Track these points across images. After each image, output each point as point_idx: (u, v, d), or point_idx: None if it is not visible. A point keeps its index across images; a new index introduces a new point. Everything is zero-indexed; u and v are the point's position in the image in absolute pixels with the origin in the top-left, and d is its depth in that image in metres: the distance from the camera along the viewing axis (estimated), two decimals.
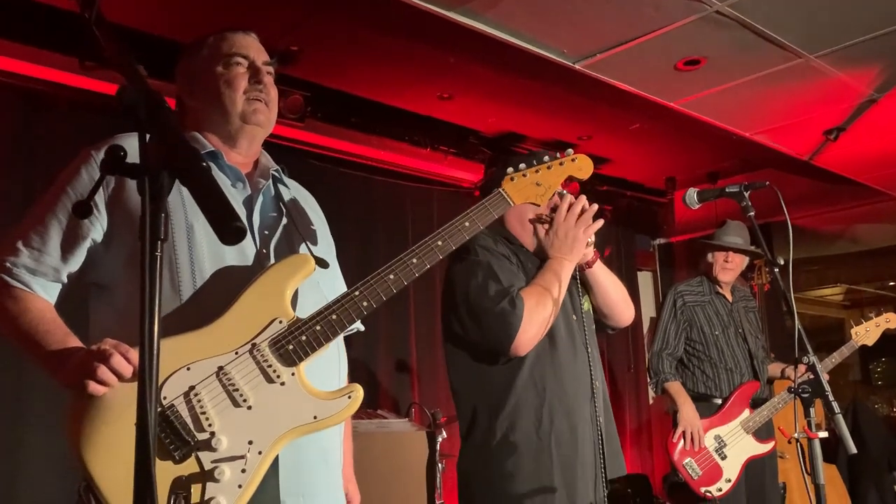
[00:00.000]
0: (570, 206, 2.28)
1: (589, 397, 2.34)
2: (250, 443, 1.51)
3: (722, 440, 3.76)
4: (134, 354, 1.45)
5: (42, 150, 3.82)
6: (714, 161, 5.86)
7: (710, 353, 3.95)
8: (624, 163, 5.98)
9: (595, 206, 2.34)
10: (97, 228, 1.65)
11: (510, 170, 1.99)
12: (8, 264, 1.63)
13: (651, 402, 6.55)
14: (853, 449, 2.08)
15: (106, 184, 1.65)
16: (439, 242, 1.75)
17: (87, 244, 1.65)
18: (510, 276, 2.30)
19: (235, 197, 1.76)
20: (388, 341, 5.04)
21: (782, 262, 2.26)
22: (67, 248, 1.64)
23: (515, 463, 2.21)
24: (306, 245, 1.77)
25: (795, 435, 2.15)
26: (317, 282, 1.78)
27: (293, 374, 1.56)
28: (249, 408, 1.52)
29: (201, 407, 1.50)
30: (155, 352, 0.86)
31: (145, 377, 0.80)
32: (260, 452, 1.51)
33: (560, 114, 4.93)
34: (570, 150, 2.05)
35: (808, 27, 3.45)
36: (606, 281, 2.48)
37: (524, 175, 1.98)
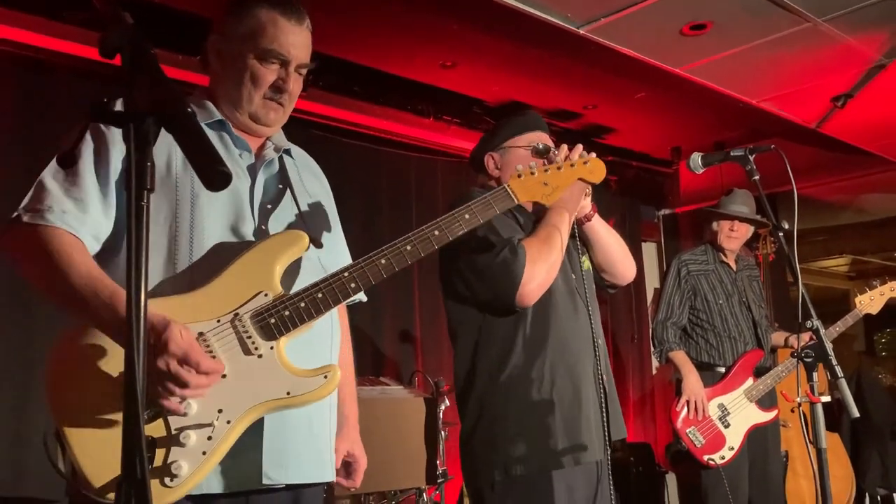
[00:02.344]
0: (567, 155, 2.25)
1: (591, 356, 2.34)
2: (220, 411, 1.49)
3: (725, 409, 3.76)
4: (206, 361, 1.44)
5: (42, 119, 3.80)
6: (720, 130, 5.81)
7: (714, 322, 3.94)
8: (629, 133, 5.95)
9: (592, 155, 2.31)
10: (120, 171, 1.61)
11: (520, 167, 1.95)
12: (56, 210, 1.54)
13: (654, 372, 6.56)
14: (856, 412, 2.08)
15: (115, 137, 1.59)
16: (436, 232, 1.73)
17: (117, 189, 1.61)
18: (509, 230, 2.29)
19: (239, 164, 1.74)
20: (393, 310, 5.05)
21: (787, 227, 2.24)
22: (105, 196, 1.59)
23: (518, 422, 2.21)
24: (304, 223, 1.75)
25: (798, 399, 2.14)
26: (317, 259, 1.77)
27: (272, 348, 1.55)
28: (224, 377, 1.50)
29: None
30: (142, 306, 0.85)
31: (133, 337, 0.79)
32: (228, 422, 1.50)
33: (565, 83, 4.88)
34: (583, 151, 2.04)
35: None
36: (606, 235, 2.47)
37: (532, 173, 1.93)
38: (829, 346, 2.10)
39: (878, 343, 8.19)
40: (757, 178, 2.33)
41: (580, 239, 2.41)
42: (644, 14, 3.54)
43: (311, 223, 1.78)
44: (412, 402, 3.47)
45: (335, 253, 1.90)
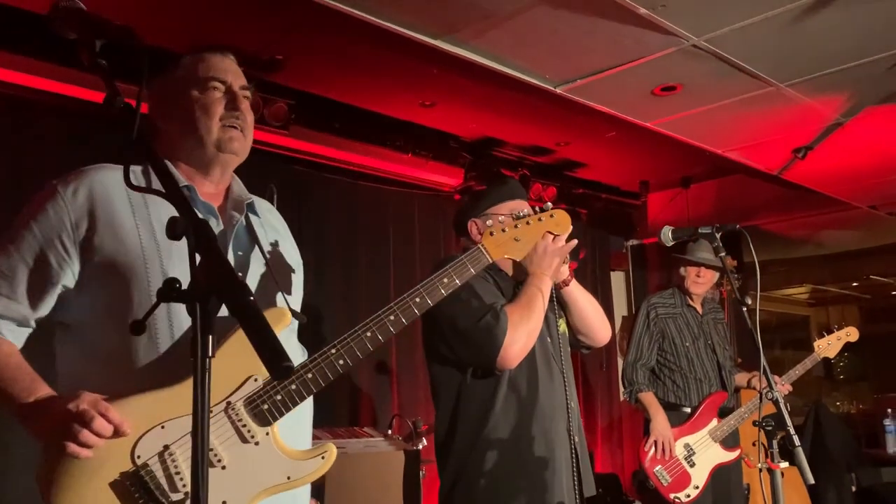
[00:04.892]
0: None
1: (565, 418, 2.48)
2: (224, 503, 1.51)
3: (691, 448, 3.94)
4: (113, 413, 1.44)
5: (30, 157, 3.86)
6: (687, 166, 6.03)
7: (681, 364, 4.12)
8: (599, 167, 6.13)
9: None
10: (68, 274, 1.60)
11: (490, 223, 2.04)
12: None
13: (622, 399, 6.75)
14: (811, 480, 2.24)
15: (75, 226, 1.59)
16: (417, 299, 1.77)
17: (57, 290, 1.61)
18: (491, 296, 2.39)
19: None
20: None
21: (749, 302, 2.42)
22: (37, 295, 1.59)
23: (493, 484, 2.32)
24: (283, 296, 1.75)
25: (759, 465, 2.32)
26: (291, 330, 1.78)
27: (267, 434, 1.56)
28: (224, 468, 1.52)
29: (175, 467, 1.49)
30: (206, 469, 0.96)
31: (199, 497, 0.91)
32: None
33: (539, 122, 5.04)
34: (549, 205, 2.13)
35: (780, 59, 3.60)
36: (583, 299, 2.58)
37: (504, 230, 2.02)
38: (787, 417, 2.28)
39: (836, 366, 8.48)
40: (723, 254, 2.50)
41: (558, 302, 2.53)
42: (618, 77, 3.72)
43: (282, 283, 1.79)
44: (393, 455, 3.59)
45: (295, 305, 1.87)
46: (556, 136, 5.39)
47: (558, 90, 3.88)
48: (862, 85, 3.92)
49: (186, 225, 1.02)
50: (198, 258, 1.05)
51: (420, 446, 3.84)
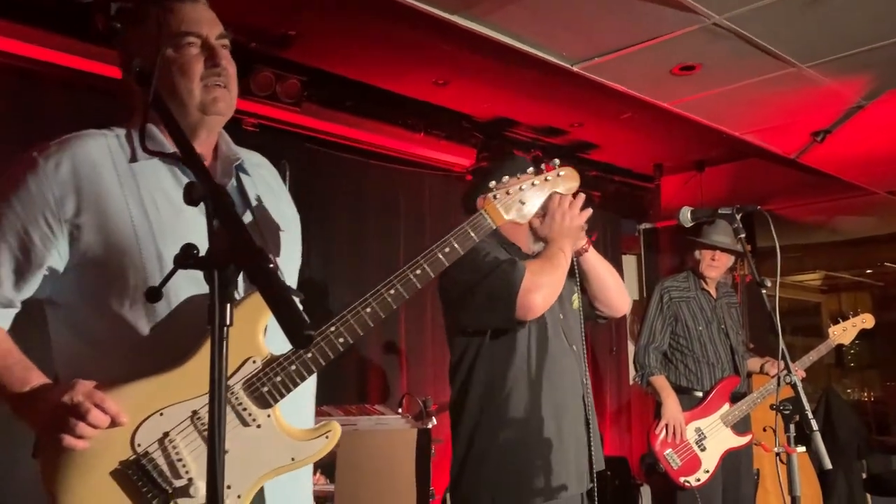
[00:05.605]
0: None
1: (577, 394, 2.46)
2: (228, 487, 1.48)
3: (702, 432, 3.92)
4: (109, 403, 1.41)
5: (38, 130, 3.83)
6: (702, 149, 5.97)
7: (694, 348, 4.09)
8: (613, 149, 6.07)
9: (582, 196, 2.38)
10: (54, 255, 1.52)
11: (493, 183, 1.89)
12: None
13: (631, 383, 6.73)
14: (828, 465, 2.21)
15: (60, 202, 1.49)
16: (417, 271, 1.68)
17: (42, 272, 1.53)
18: (506, 256, 2.38)
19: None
20: (378, 326, 5.14)
21: (769, 284, 2.37)
22: (21, 276, 1.52)
23: (503, 458, 2.33)
24: (276, 266, 1.66)
25: (776, 449, 2.29)
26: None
27: (269, 416, 1.53)
28: (226, 452, 1.46)
29: (177, 453, 1.47)
30: (222, 442, 0.94)
31: (216, 473, 0.88)
32: (239, 496, 1.50)
33: (553, 101, 4.99)
34: (557, 161, 1.99)
35: (802, 39, 3.54)
36: (601, 266, 2.55)
37: (507, 193, 1.87)
38: (805, 401, 2.25)
39: (846, 354, 8.43)
40: (743, 236, 2.46)
41: (577, 271, 2.48)
42: (636, 55, 3.66)
43: (272, 246, 1.71)
44: (405, 432, 3.58)
45: (288, 273, 1.79)
46: (570, 116, 5.34)
47: (575, 68, 3.82)
48: (885, 67, 3.85)
49: (204, 190, 0.99)
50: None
51: (430, 425, 3.83)
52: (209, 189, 1.00)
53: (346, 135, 5.12)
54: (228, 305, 0.96)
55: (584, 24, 3.41)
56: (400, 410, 4.02)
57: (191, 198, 0.99)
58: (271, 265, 0.96)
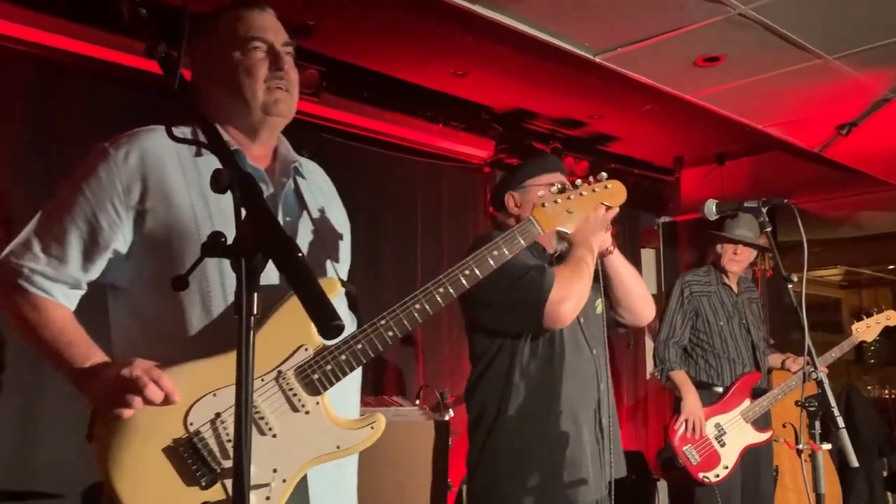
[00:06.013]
0: None
1: (595, 398, 2.43)
2: (275, 471, 1.52)
3: (722, 428, 3.88)
4: (165, 380, 1.46)
5: (58, 120, 3.82)
6: (723, 142, 5.91)
7: (714, 343, 4.05)
8: (633, 141, 6.03)
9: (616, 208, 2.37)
10: (119, 238, 1.61)
11: (541, 194, 1.98)
12: (26, 270, 1.58)
13: (648, 377, 6.69)
14: (855, 462, 2.19)
15: (127, 189, 1.59)
16: (466, 272, 1.75)
17: (108, 254, 1.61)
18: (534, 262, 2.35)
19: None
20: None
21: (795, 279, 2.34)
22: (88, 258, 1.60)
23: (518, 461, 2.31)
24: (332, 265, 1.77)
25: (800, 446, 2.26)
26: (342, 296, 1.76)
27: (318, 403, 1.56)
28: (274, 436, 1.53)
29: (227, 434, 1.50)
30: (249, 429, 0.93)
31: (241, 453, 0.88)
32: (284, 480, 1.53)
33: (573, 93, 4.95)
34: (604, 175, 2.05)
35: (829, 30, 3.48)
36: (625, 270, 2.50)
37: (556, 202, 1.94)
38: (831, 397, 2.21)
39: (866, 351, 8.35)
40: (769, 229, 2.42)
41: (601, 274, 2.43)
42: (660, 46, 3.61)
43: (330, 250, 1.80)
44: (423, 424, 3.57)
45: (342, 275, 1.87)
46: (590, 108, 5.30)
47: (597, 59, 3.78)
48: None
49: (231, 178, 0.97)
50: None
51: (447, 417, 3.81)
52: (237, 176, 0.98)
53: (365, 125, 5.11)
54: (255, 294, 0.94)
55: (607, 14, 3.37)
56: (417, 402, 4.00)
57: (218, 185, 0.98)
58: (300, 254, 0.94)
